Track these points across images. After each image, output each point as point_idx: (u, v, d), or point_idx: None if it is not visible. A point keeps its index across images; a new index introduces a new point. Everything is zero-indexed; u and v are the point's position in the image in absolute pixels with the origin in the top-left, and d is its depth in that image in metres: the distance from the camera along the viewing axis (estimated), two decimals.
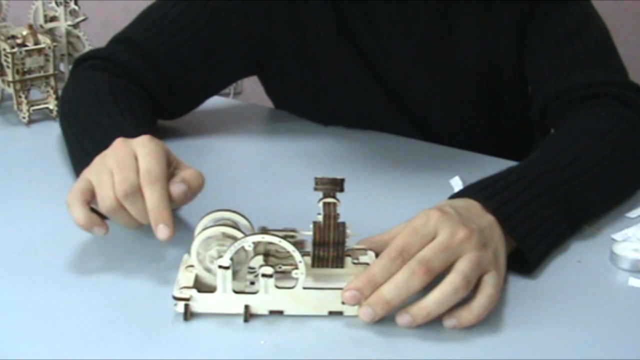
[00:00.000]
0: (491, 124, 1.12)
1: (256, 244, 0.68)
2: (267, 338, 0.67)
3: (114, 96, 0.97)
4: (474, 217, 0.73)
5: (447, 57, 1.04)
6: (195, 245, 0.70)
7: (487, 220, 0.74)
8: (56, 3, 1.20)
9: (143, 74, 1.02)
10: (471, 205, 0.75)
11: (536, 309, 0.72)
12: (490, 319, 0.70)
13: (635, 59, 2.84)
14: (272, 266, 0.68)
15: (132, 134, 0.82)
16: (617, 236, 0.83)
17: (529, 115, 1.04)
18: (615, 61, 1.02)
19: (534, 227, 0.77)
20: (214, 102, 1.23)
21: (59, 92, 1.13)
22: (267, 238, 0.68)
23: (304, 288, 0.69)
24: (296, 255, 0.68)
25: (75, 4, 1.21)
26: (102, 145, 0.81)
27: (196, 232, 0.71)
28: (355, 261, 0.72)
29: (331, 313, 0.69)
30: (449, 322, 0.68)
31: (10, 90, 1.14)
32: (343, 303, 0.69)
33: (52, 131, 1.01)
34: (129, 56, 1.03)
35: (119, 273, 0.77)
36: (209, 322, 0.69)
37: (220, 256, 0.68)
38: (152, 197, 0.73)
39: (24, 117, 1.14)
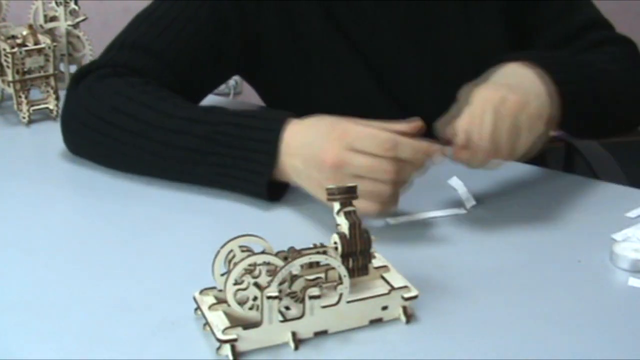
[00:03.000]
0: None
1: (303, 267, 0.66)
2: None
3: (166, 92, 0.96)
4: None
5: (432, 43, 1.06)
6: (231, 282, 0.65)
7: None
8: (56, 3, 1.21)
9: (161, 78, 1.00)
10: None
11: (536, 309, 0.72)
12: (489, 319, 0.70)
13: None
14: (318, 286, 0.66)
15: (224, 111, 0.90)
16: (617, 236, 0.83)
17: None
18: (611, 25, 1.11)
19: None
20: (214, 102, 1.23)
21: (59, 92, 1.13)
22: (315, 258, 0.66)
23: (348, 302, 0.67)
24: (342, 270, 0.66)
25: (75, 4, 1.21)
26: (213, 133, 0.88)
27: (215, 267, 0.68)
28: (376, 266, 0.71)
29: (372, 322, 0.69)
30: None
31: (10, 90, 1.14)
32: (383, 309, 0.68)
33: (52, 131, 1.01)
34: (144, 62, 1.01)
35: (120, 273, 0.77)
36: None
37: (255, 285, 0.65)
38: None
39: (24, 117, 1.14)
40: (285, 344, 0.66)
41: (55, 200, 0.93)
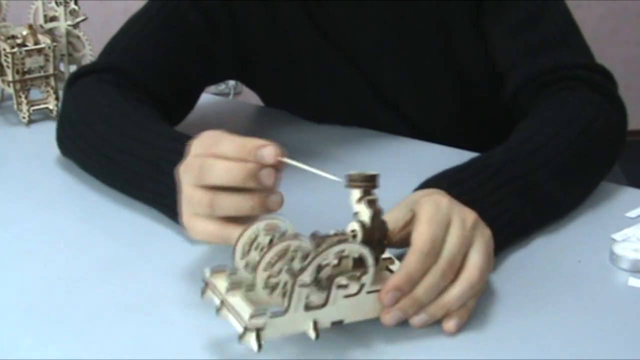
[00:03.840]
0: (465, 112, 1.13)
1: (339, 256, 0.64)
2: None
3: (134, 107, 0.93)
4: None
5: (409, 48, 1.06)
6: (262, 267, 0.63)
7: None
8: (56, 3, 1.21)
9: (149, 80, 1.00)
10: (437, 192, 0.76)
11: (536, 309, 0.72)
12: (490, 319, 0.70)
13: (635, 59, 2.84)
14: (344, 276, 0.65)
15: (178, 136, 0.83)
16: (617, 236, 0.83)
17: (502, 100, 1.04)
18: (580, 43, 1.02)
19: (497, 215, 0.77)
20: (214, 102, 1.23)
21: (59, 92, 1.13)
22: (348, 248, 0.64)
23: (368, 292, 0.66)
24: (369, 260, 0.65)
25: (75, 4, 1.21)
26: (158, 158, 0.81)
27: (237, 249, 0.66)
28: (384, 256, 0.70)
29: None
30: (450, 325, 0.68)
31: (10, 90, 1.14)
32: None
33: (52, 131, 1.01)
34: (131, 64, 1.01)
35: (119, 273, 0.77)
36: (205, 323, 0.69)
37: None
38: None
39: (24, 117, 1.14)
40: (297, 334, 0.64)
41: (55, 200, 0.93)
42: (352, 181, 0.67)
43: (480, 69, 1.08)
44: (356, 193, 0.67)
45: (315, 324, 0.64)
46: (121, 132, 0.89)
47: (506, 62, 1.02)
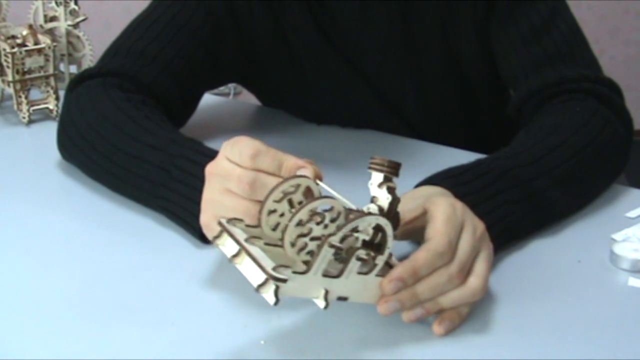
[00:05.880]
0: (466, 118, 1.14)
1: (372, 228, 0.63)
2: (267, 338, 0.67)
3: (143, 112, 0.93)
4: None
5: (412, 54, 1.06)
6: (293, 223, 0.63)
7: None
8: (56, 3, 1.21)
9: (154, 84, 1.00)
10: (445, 193, 0.76)
11: (536, 309, 0.72)
12: (490, 319, 0.71)
13: (635, 59, 2.84)
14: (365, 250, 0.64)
15: (187, 142, 0.84)
16: (617, 236, 0.83)
17: (507, 113, 1.04)
18: (586, 55, 1.01)
19: (497, 219, 0.77)
20: (214, 102, 1.23)
21: (59, 92, 1.13)
22: (379, 220, 0.63)
23: (377, 275, 0.65)
24: (390, 241, 0.64)
25: (75, 4, 1.21)
26: (169, 164, 0.82)
27: (266, 205, 0.66)
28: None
29: None
30: (441, 329, 0.68)
31: (10, 90, 1.14)
32: None
33: (52, 131, 1.01)
34: (138, 67, 1.00)
35: (120, 272, 0.77)
36: (205, 323, 0.69)
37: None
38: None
39: (24, 117, 1.14)
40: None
41: (55, 200, 0.93)
42: (378, 164, 0.67)
43: (483, 75, 1.08)
44: (378, 177, 0.67)
45: (326, 293, 0.63)
46: (132, 137, 0.89)
47: (511, 74, 1.02)
